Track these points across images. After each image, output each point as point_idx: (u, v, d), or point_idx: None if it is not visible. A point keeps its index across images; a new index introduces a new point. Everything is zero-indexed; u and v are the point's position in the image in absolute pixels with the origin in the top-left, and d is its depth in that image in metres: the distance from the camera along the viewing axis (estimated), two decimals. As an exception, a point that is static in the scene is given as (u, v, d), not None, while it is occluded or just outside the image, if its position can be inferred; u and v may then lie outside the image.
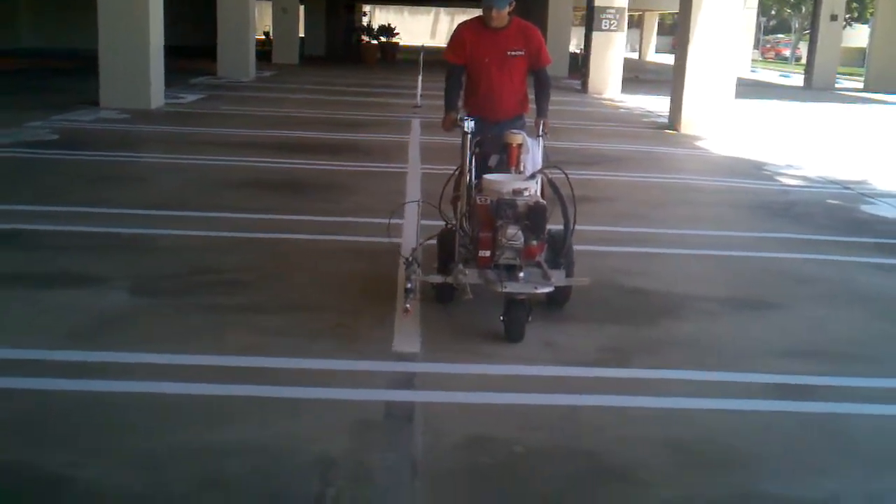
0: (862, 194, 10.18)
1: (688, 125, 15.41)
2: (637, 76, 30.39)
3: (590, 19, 23.77)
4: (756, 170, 11.67)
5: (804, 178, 11.24)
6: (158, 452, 3.52)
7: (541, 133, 5.59)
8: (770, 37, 70.52)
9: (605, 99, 22.17)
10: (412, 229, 6.15)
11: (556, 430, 3.90)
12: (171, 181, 9.19)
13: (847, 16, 47.85)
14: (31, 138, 11.25)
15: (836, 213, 9.06)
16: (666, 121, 16.50)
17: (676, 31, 17.59)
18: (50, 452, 3.48)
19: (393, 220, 5.96)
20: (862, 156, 13.74)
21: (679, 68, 15.79)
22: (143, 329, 4.87)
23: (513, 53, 5.68)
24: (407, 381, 4.36)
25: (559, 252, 5.23)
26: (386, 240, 5.57)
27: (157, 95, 15.22)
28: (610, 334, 5.13)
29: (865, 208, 9.39)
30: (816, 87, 30.15)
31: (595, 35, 23.30)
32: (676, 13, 16.69)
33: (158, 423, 3.77)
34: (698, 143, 14.17)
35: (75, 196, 8.09)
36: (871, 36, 31.83)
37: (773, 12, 66.59)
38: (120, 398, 4.02)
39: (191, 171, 9.79)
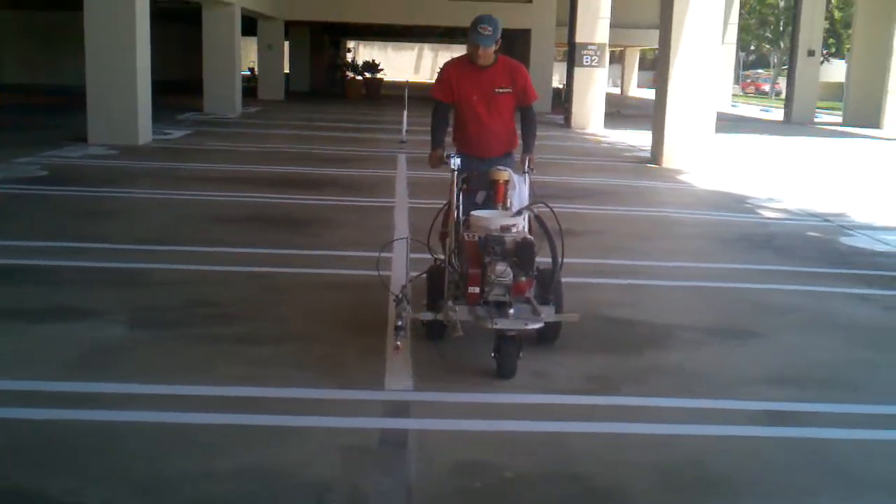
0: (841, 227, 10.37)
1: (669, 159, 15.65)
2: (619, 111, 30.78)
3: (571, 55, 24.13)
4: (737, 203, 11.87)
5: (785, 210, 11.45)
6: (159, 479, 3.60)
7: (527, 169, 5.62)
8: (750, 72, 71.43)
9: (588, 134, 22.45)
10: (401, 266, 6.18)
11: (546, 455, 4.00)
12: (162, 217, 9.29)
13: (825, 51, 48.68)
14: (21, 174, 11.35)
15: (816, 245, 9.24)
16: (648, 155, 16.74)
17: (657, 67, 17.87)
18: (52, 480, 3.55)
19: (383, 255, 6.04)
20: (841, 189, 13.97)
21: (660, 103, 16.06)
22: (139, 361, 4.95)
23: (500, 91, 5.72)
24: (400, 410, 4.45)
25: (548, 288, 5.22)
26: (374, 273, 5.62)
27: (144, 132, 15.37)
28: (598, 364, 5.25)
29: (844, 240, 9.58)
30: (796, 122, 30.61)
31: (577, 71, 23.64)
32: (657, 48, 16.96)
33: (158, 451, 3.85)
34: (680, 177, 14.38)
35: (68, 232, 8.18)
36: (848, 71, 32.37)
37: (752, 47, 67.55)
38: (119, 427, 4.10)
39: (181, 206, 9.89)
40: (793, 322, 6.30)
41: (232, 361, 4.98)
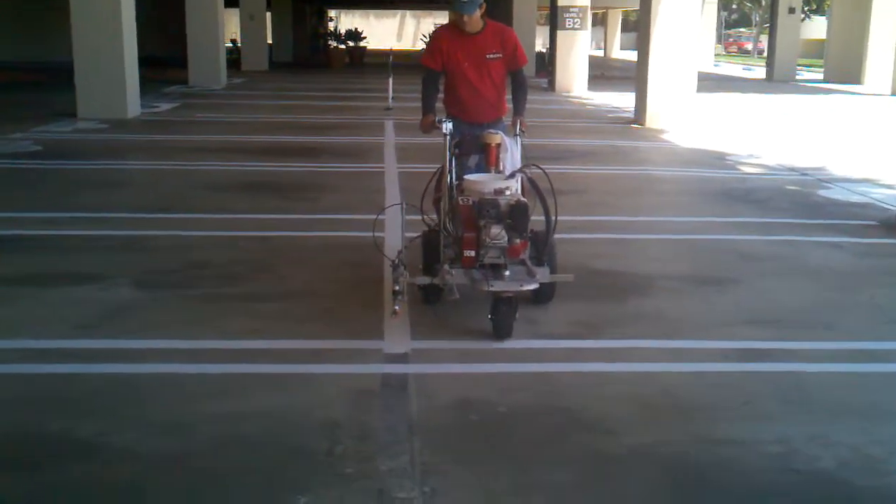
0: (819, 180, 10.69)
1: (652, 119, 15.91)
2: (603, 73, 30.98)
3: (553, 18, 24.28)
4: (718, 160, 12.18)
5: (764, 166, 11.76)
6: (179, 421, 3.91)
7: (518, 132, 5.68)
8: (732, 31, 71.55)
9: (572, 96, 22.67)
10: (396, 231, 6.38)
11: (536, 392, 4.33)
12: (158, 186, 9.54)
13: (806, 8, 48.83)
14: (15, 150, 11.54)
15: (793, 198, 9.56)
16: (632, 115, 16.99)
17: (638, 29, 18.08)
18: (78, 424, 3.85)
19: (380, 217, 6.28)
20: (820, 144, 14.28)
21: (642, 65, 16.29)
22: (149, 319, 5.24)
23: (491, 56, 5.76)
24: (400, 358, 4.75)
25: (542, 249, 5.27)
26: (370, 234, 5.83)
27: (133, 105, 15.52)
28: (583, 311, 5.56)
29: (821, 193, 9.90)
30: (778, 80, 30.86)
31: (560, 34, 23.80)
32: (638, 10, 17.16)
33: (175, 397, 4.16)
34: (663, 136, 14.67)
35: (69, 203, 8.42)
36: (829, 28, 32.62)
37: (734, 6, 67.59)
38: (136, 378, 4.40)
39: (175, 176, 10.13)
40: (768, 269, 6.63)
41: (238, 317, 5.28)
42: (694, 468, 3.61)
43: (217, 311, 5.41)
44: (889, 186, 10.30)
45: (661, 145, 13.85)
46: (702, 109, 17.32)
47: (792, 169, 11.50)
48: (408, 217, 5.64)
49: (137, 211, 8.08)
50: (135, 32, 15.29)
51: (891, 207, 8.97)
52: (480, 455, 3.68)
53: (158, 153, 11.84)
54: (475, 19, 5.68)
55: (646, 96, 16.07)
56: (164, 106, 17.78)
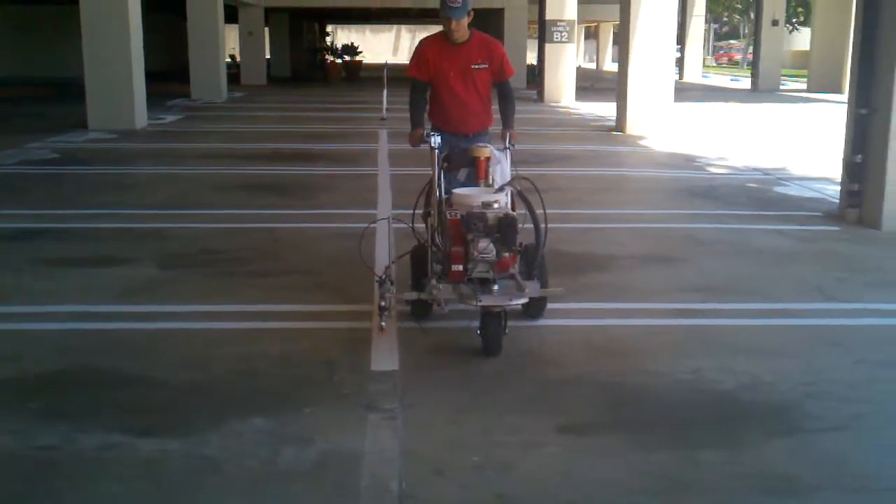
0: (778, 178, 11.59)
1: (632, 126, 16.83)
2: (592, 85, 31.98)
3: (542, 32, 25.26)
4: (688, 162, 13.10)
5: (730, 167, 12.66)
6: (205, 360, 4.81)
7: (507, 145, 5.63)
8: (723, 42, 72.69)
9: (560, 107, 23.61)
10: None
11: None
12: (170, 188, 10.43)
13: (794, 20, 49.92)
14: (34, 157, 12.45)
15: (750, 194, 10.46)
16: (614, 124, 17.91)
17: (618, 42, 19.03)
18: (124, 364, 4.74)
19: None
20: (788, 148, 15.20)
21: (622, 75, 17.24)
22: (174, 291, 6.15)
23: (476, 67, 5.71)
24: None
25: (532, 263, 5.22)
26: (365, 225, 6.51)
27: (140, 117, 16.44)
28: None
29: (778, 189, 10.80)
30: (763, 89, 31.85)
31: (548, 47, 24.78)
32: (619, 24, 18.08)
33: (201, 345, 5.06)
34: (641, 142, 15.58)
35: (88, 201, 9.32)
36: (812, 39, 33.61)
37: (724, 19, 68.75)
38: (167, 332, 5.30)
39: (185, 179, 11.04)
40: (713, 251, 7.52)
41: (249, 289, 6.18)
42: (623, 388, 4.52)
43: (230, 285, 6.30)
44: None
45: (638, 150, 14.77)
46: (683, 117, 18.25)
47: (756, 169, 12.41)
48: (397, 225, 6.08)
49: (153, 208, 8.97)
50: (141, 47, 16.20)
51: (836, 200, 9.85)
52: (451, 382, 4.55)
53: (167, 159, 12.74)
54: (463, 27, 5.63)
55: (626, 105, 17.00)
56: (169, 118, 18.71)
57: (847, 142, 8.95)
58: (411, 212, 5.89)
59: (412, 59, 5.89)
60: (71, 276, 6.47)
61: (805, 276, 6.77)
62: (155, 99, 20.57)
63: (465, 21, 5.62)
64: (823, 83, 31.09)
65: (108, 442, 3.82)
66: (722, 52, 69.56)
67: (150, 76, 16.68)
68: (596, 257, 7.20)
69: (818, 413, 4.24)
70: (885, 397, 4.47)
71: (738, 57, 64.01)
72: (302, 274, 6.60)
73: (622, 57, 17.39)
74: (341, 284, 6.28)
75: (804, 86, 33.39)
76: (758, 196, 10.31)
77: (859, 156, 8.71)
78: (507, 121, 5.81)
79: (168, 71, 29.61)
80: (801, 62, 46.31)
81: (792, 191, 10.70)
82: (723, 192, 10.56)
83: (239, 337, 5.21)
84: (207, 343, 5.09)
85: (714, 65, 61.60)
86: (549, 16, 24.70)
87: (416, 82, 5.83)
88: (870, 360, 4.99)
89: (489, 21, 32.81)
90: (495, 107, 5.97)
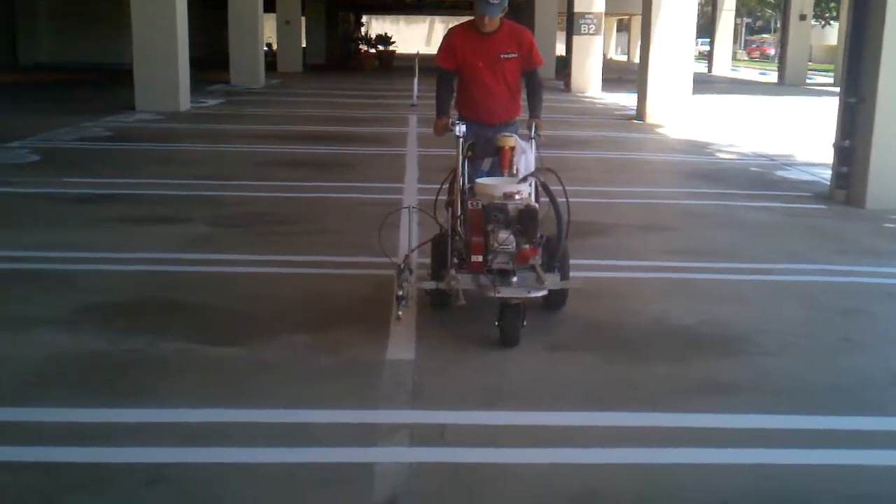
0: (783, 164, 12.37)
1: (652, 115, 17.62)
2: (620, 77, 32.65)
3: (570, 24, 26.05)
4: (699, 148, 13.90)
5: (739, 153, 13.45)
6: (254, 295, 5.77)
7: (533, 135, 5.57)
8: (756, 37, 72.84)
9: (585, 97, 24.41)
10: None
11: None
12: (215, 162, 11.41)
13: (827, 14, 50.17)
14: (90, 135, 13.48)
15: (751, 177, 11.27)
16: (634, 113, 18.70)
17: (641, 34, 19.79)
18: (186, 297, 5.70)
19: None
20: (801, 137, 15.93)
21: (643, 66, 18.03)
22: (224, 243, 7.14)
23: (506, 56, 5.65)
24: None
25: (553, 255, 5.21)
26: (391, 197, 7.46)
27: (184, 100, 17.47)
28: (550, 245, 7.31)
29: (779, 173, 11.59)
30: (789, 83, 32.42)
31: (576, 39, 25.59)
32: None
33: (250, 283, 6.03)
34: (659, 130, 16.38)
35: (143, 172, 10.31)
36: (839, 34, 34.06)
37: (757, 14, 68.94)
38: (220, 273, 6.28)
39: (230, 156, 12.02)
40: (704, 222, 8.37)
41: (289, 243, 7.12)
42: (605, 322, 5.42)
43: (272, 241, 7.26)
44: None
45: (654, 136, 15.58)
46: (705, 108, 18.99)
47: (762, 155, 13.19)
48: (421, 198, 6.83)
49: (202, 178, 9.95)
50: (186, 34, 17.22)
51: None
52: (465, 314, 5.31)
53: (211, 138, 13.73)
54: (495, 22, 5.59)
55: (646, 94, 17.80)
56: (211, 101, 19.74)
57: (837, 128, 9.71)
58: (433, 198, 5.95)
59: (440, 48, 5.85)
60: (137, 232, 7.44)
61: (783, 243, 7.60)
62: (196, 84, 21.65)
63: (500, 17, 5.59)
64: (849, 78, 31.50)
65: (182, 348, 4.78)
66: (754, 45, 69.77)
67: (192, 62, 17.66)
68: (599, 225, 8.06)
69: (763, 342, 5.11)
70: (819, 332, 5.35)
71: (770, 51, 64.24)
72: (334, 233, 7.53)
73: (644, 48, 18.18)
74: (368, 242, 7.17)
75: (831, 80, 33.87)
76: (757, 179, 11.10)
77: (847, 141, 9.48)
78: (533, 110, 5.74)
79: (208, 58, 30.69)
80: (832, 57, 46.70)
81: (791, 175, 11.47)
82: (726, 174, 11.37)
83: (282, 279, 6.16)
84: (252, 282, 6.05)
85: (746, 59, 61.91)
86: (577, 8, 25.47)
87: (443, 71, 5.80)
88: (817, 306, 5.86)
89: (520, 13, 33.59)
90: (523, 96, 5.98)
